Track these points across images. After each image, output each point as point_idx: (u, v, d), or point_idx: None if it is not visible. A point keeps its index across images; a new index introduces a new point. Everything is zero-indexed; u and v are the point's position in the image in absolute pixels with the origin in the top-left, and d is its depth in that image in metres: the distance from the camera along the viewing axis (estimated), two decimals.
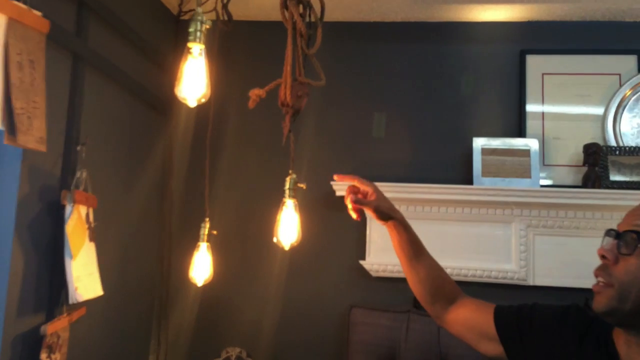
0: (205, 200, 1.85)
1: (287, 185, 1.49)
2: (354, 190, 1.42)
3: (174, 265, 2.51)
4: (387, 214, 1.39)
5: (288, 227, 1.47)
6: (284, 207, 1.48)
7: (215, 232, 1.85)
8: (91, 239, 1.88)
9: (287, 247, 1.47)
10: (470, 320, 1.37)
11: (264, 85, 1.53)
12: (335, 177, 1.46)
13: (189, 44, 1.23)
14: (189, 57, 1.25)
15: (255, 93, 1.52)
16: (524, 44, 2.52)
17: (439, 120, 2.53)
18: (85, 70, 1.88)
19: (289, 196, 1.48)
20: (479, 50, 2.55)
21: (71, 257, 1.70)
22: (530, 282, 2.33)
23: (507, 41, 2.53)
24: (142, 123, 2.37)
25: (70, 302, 1.69)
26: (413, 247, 1.40)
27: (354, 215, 1.43)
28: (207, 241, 1.83)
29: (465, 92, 2.52)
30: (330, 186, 2.40)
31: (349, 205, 1.41)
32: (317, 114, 2.44)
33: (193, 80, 1.23)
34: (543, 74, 2.49)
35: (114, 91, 2.13)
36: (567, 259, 2.32)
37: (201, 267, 1.81)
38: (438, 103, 2.54)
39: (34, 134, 1.48)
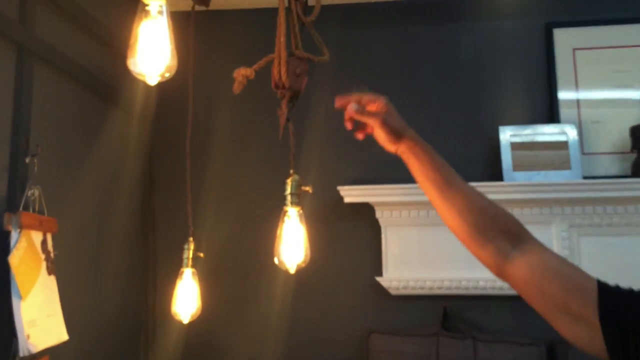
0: (188, 216, 1.51)
1: (288, 190, 1.14)
2: (358, 100, 1.05)
3: (160, 295, 2.16)
4: (399, 131, 1.02)
5: (292, 243, 1.12)
6: (285, 218, 1.14)
7: (201, 255, 1.50)
8: (50, 271, 1.53)
9: (292, 270, 1.12)
10: (550, 287, 0.92)
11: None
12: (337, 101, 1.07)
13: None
14: (145, 19, 0.91)
15: (242, 73, 1.18)
16: (549, 16, 2.22)
17: (457, 109, 2.22)
18: (33, 64, 1.55)
19: (292, 203, 1.14)
20: (497, 27, 2.25)
21: (20, 296, 1.35)
22: None
23: (529, 14, 2.23)
24: (111, 127, 2.00)
25: (21, 354, 1.33)
26: (441, 171, 1.01)
27: (349, 126, 1.06)
28: (193, 266, 1.48)
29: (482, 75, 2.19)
30: (338, 192, 2.06)
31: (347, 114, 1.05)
32: (319, 105, 2.09)
33: (152, 48, 0.89)
34: (574, 49, 2.18)
35: (72, 89, 1.78)
36: (620, 262, 1.99)
37: (186, 299, 1.46)
38: (455, 89, 2.24)
39: None
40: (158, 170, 2.27)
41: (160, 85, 0.98)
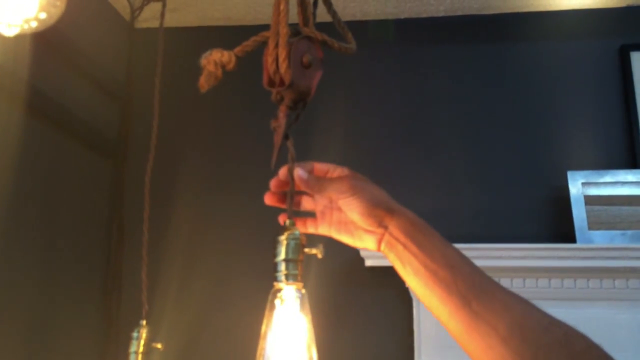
0: (141, 288, 1.03)
1: (282, 254, 0.66)
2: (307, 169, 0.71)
3: None
4: (382, 207, 0.64)
5: (289, 349, 0.64)
6: (276, 303, 0.65)
7: (159, 346, 1.01)
8: None
9: None
10: None
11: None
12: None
13: None
14: None
15: (214, 59, 0.74)
16: (625, 36, 1.86)
17: (513, 149, 1.83)
18: None
19: (289, 278, 0.65)
20: (561, 50, 1.89)
21: None
22: None
23: (600, 34, 1.89)
24: (64, 160, 1.57)
25: None
26: (462, 272, 0.60)
27: (270, 200, 0.73)
28: None
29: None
30: (356, 252, 1.60)
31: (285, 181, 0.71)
32: (334, 129, 1.68)
33: None
34: None
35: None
36: None
37: None
38: (509, 125, 1.86)
39: None
40: (133, 220, 1.80)
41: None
